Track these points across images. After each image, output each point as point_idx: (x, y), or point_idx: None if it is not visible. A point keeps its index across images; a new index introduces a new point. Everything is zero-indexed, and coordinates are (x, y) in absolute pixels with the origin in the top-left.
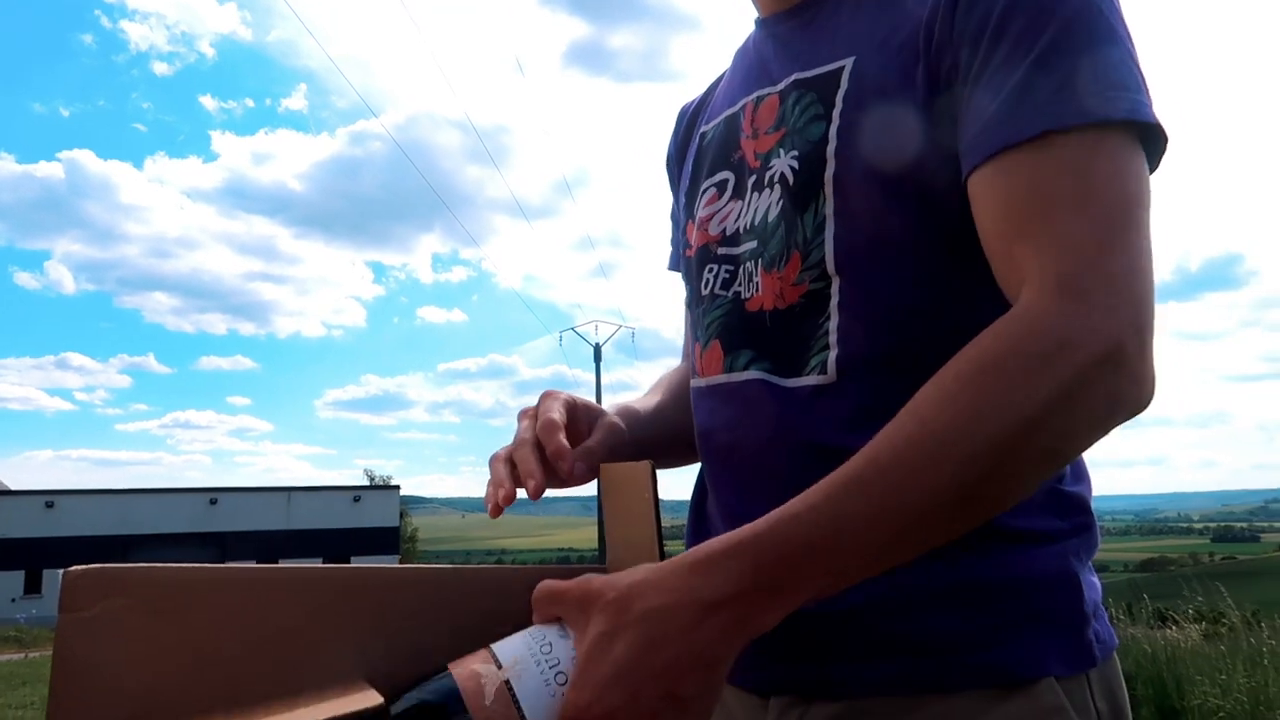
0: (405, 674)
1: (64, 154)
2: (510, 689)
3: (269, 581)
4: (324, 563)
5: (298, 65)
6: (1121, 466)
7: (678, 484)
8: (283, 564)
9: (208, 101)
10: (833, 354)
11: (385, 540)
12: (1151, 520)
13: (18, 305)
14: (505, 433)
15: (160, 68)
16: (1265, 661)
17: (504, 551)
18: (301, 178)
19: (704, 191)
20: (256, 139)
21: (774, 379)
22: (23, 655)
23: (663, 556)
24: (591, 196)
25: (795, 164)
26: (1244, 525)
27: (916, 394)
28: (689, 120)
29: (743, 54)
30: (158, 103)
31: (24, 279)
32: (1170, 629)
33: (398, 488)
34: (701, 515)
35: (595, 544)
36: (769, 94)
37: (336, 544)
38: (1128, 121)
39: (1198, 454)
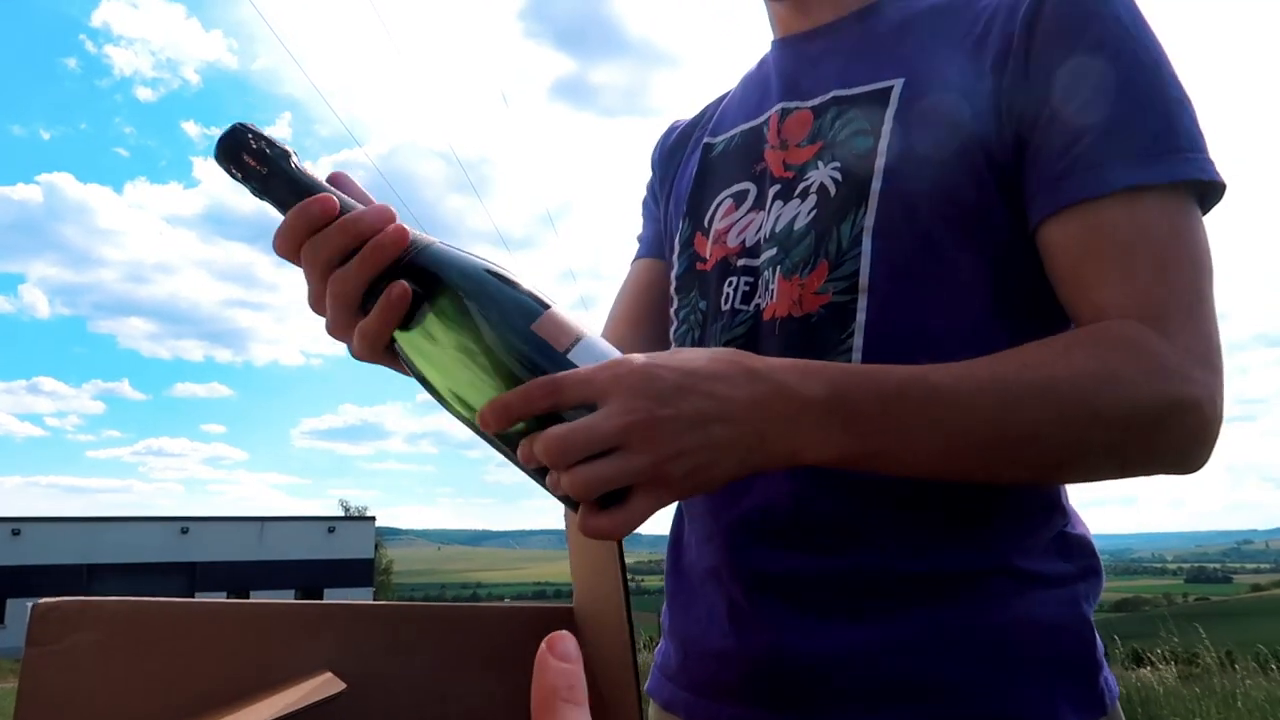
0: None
1: (43, 177)
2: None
3: (239, 615)
4: (297, 594)
5: (282, 93)
6: (1095, 505)
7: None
8: (254, 596)
9: (190, 128)
10: None
11: (359, 572)
12: (1126, 560)
13: None
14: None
15: (144, 93)
16: (1239, 704)
17: (479, 585)
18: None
19: (719, 203)
20: None
21: None
22: None
23: (627, 601)
24: (573, 229)
25: (838, 174)
26: (1217, 566)
27: (1045, 343)
28: (682, 133)
29: (758, 73)
30: (140, 128)
31: None
32: (1146, 670)
33: (373, 519)
34: (680, 546)
35: (570, 578)
36: (799, 108)
37: (310, 575)
38: (1197, 182)
39: (1168, 494)
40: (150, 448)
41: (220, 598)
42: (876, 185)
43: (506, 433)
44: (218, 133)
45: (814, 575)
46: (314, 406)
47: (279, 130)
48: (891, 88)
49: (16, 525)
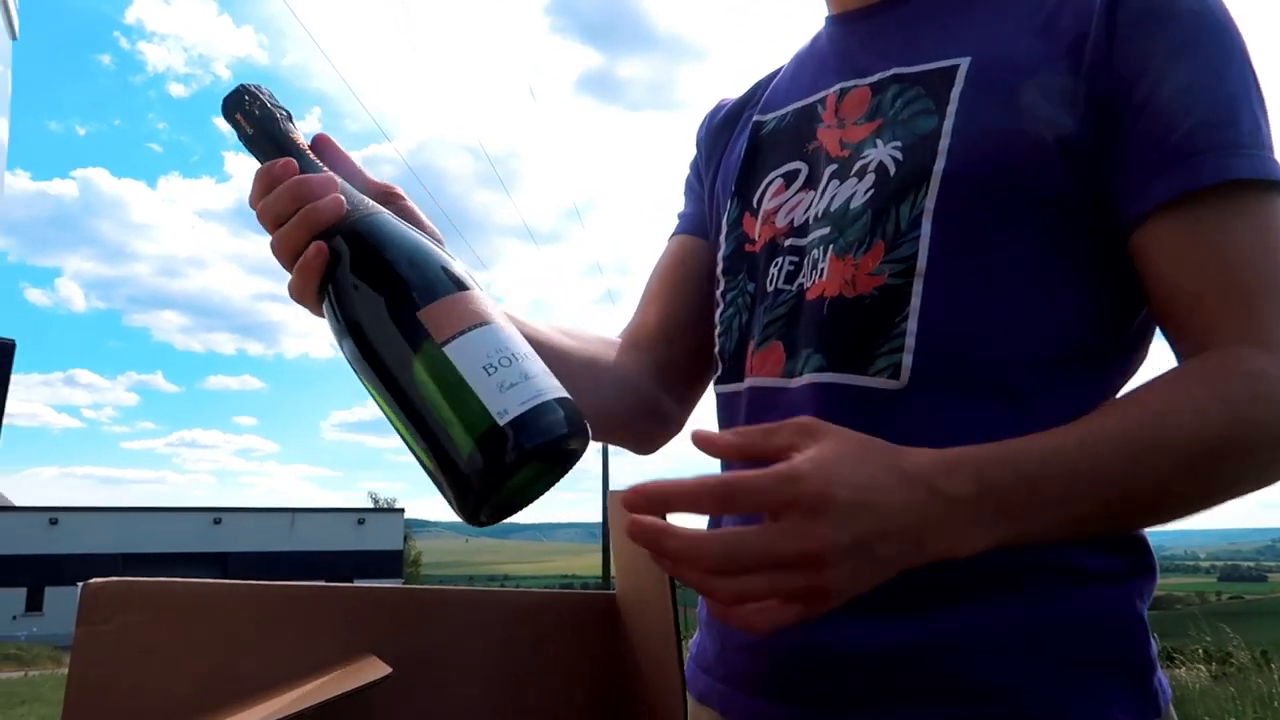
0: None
1: (78, 172)
2: None
3: (284, 597)
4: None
5: (312, 89)
6: None
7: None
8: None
9: (222, 123)
10: (908, 357)
11: (388, 563)
12: (1158, 557)
13: (28, 321)
14: None
15: (177, 89)
16: (1276, 703)
17: (506, 576)
18: None
19: (769, 183)
20: None
21: (828, 376)
22: (23, 673)
23: (673, 589)
24: (600, 223)
25: (898, 154)
26: (1251, 564)
27: (1167, 382)
28: (730, 111)
29: (811, 51)
30: (173, 123)
31: (35, 295)
32: (1180, 669)
33: (402, 511)
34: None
35: (598, 571)
36: (857, 85)
37: (339, 566)
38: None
39: None
40: (183, 439)
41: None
42: (939, 166)
43: (415, 417)
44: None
45: None
46: (344, 399)
47: (309, 125)
48: (957, 66)
49: (54, 515)
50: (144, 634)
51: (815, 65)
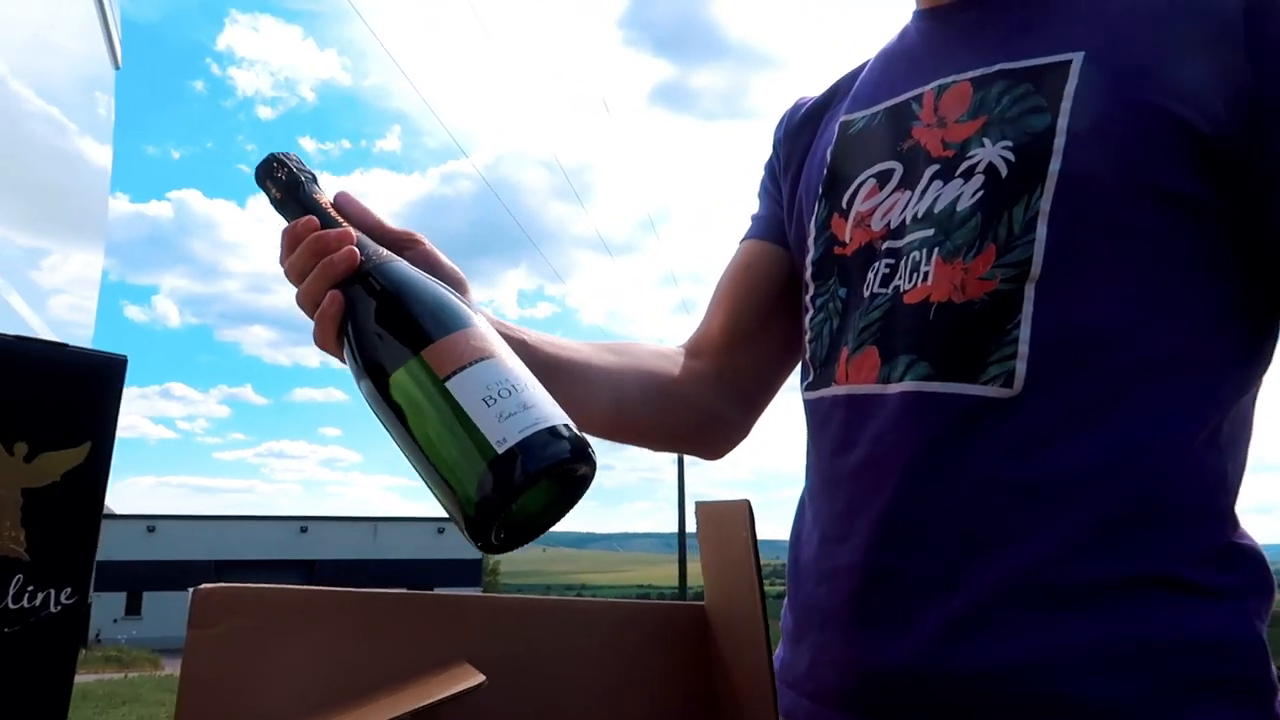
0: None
1: (173, 193)
2: None
3: (383, 605)
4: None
5: (392, 108)
6: None
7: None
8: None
9: (307, 143)
10: (1021, 365)
11: (468, 572)
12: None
13: (127, 337)
14: None
15: (264, 112)
16: None
17: (584, 586)
18: (394, 216)
19: (861, 184)
20: (352, 178)
21: (934, 385)
22: (123, 675)
23: (763, 600)
24: (674, 233)
25: (1009, 154)
26: None
27: None
28: (811, 110)
29: (900, 47)
30: (261, 145)
31: (133, 312)
32: None
33: None
34: (803, 545)
35: (674, 582)
36: (957, 81)
37: (420, 574)
38: None
39: None
40: (271, 450)
41: None
42: (1055, 166)
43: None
44: (333, 148)
45: (955, 581)
46: None
47: (389, 143)
48: (1070, 62)
49: (151, 523)
50: (251, 638)
51: (907, 62)
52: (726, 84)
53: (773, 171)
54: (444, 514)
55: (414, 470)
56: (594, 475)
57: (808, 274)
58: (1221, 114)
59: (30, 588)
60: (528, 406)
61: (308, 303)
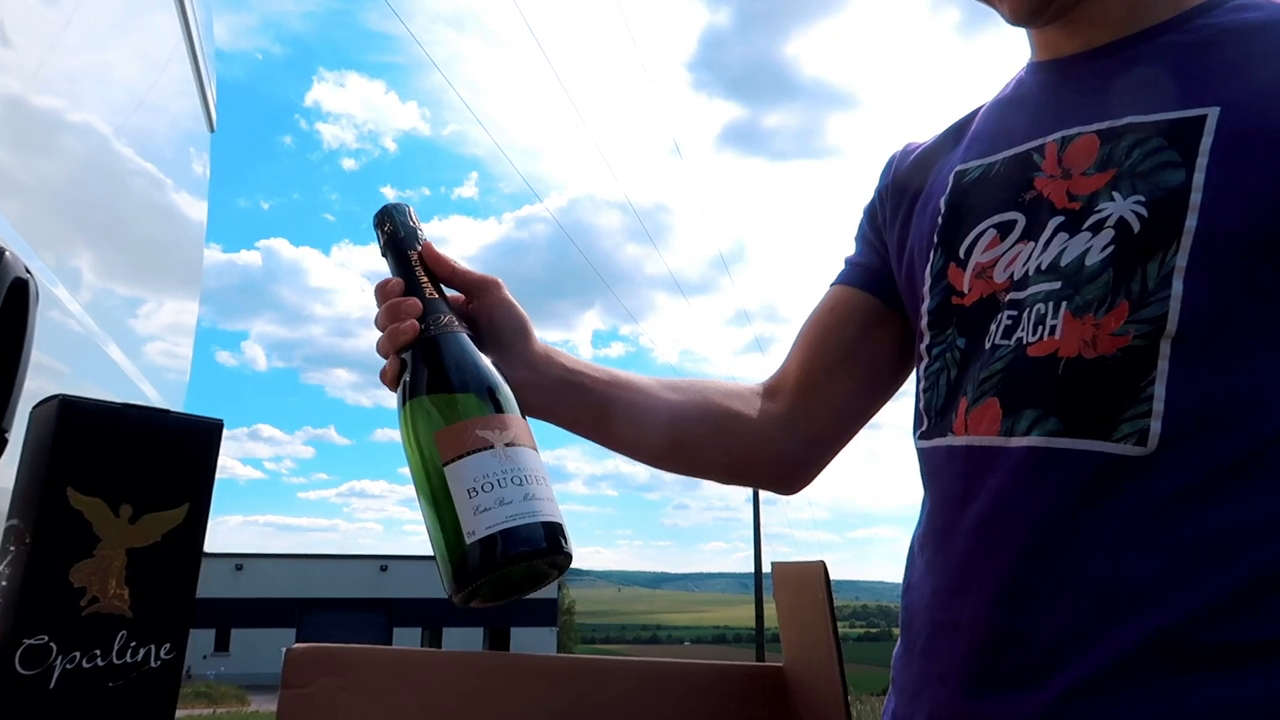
0: None
1: (262, 243)
2: None
3: (475, 665)
4: (485, 632)
5: (469, 154)
6: None
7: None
8: (446, 633)
9: (388, 192)
10: (1156, 423)
11: (544, 612)
12: None
13: (219, 381)
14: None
15: (348, 163)
16: None
17: (659, 626)
18: (472, 260)
19: (980, 234)
20: (431, 225)
21: (1063, 441)
22: (211, 710)
23: (840, 663)
24: (748, 272)
25: (1142, 209)
26: None
27: None
28: (922, 157)
29: (1018, 95)
30: (344, 194)
31: (224, 357)
32: None
33: None
34: (916, 593)
35: (750, 622)
36: (1083, 133)
37: (496, 614)
38: None
39: None
40: (353, 489)
41: (415, 632)
42: (1191, 223)
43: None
44: (412, 195)
45: (1086, 642)
46: None
47: (466, 190)
48: (1204, 117)
49: (239, 561)
50: (344, 698)
51: (1025, 112)
52: (800, 123)
53: (873, 217)
54: None
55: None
56: (568, 563)
57: (923, 322)
58: None
59: (133, 644)
60: (503, 503)
61: (381, 353)
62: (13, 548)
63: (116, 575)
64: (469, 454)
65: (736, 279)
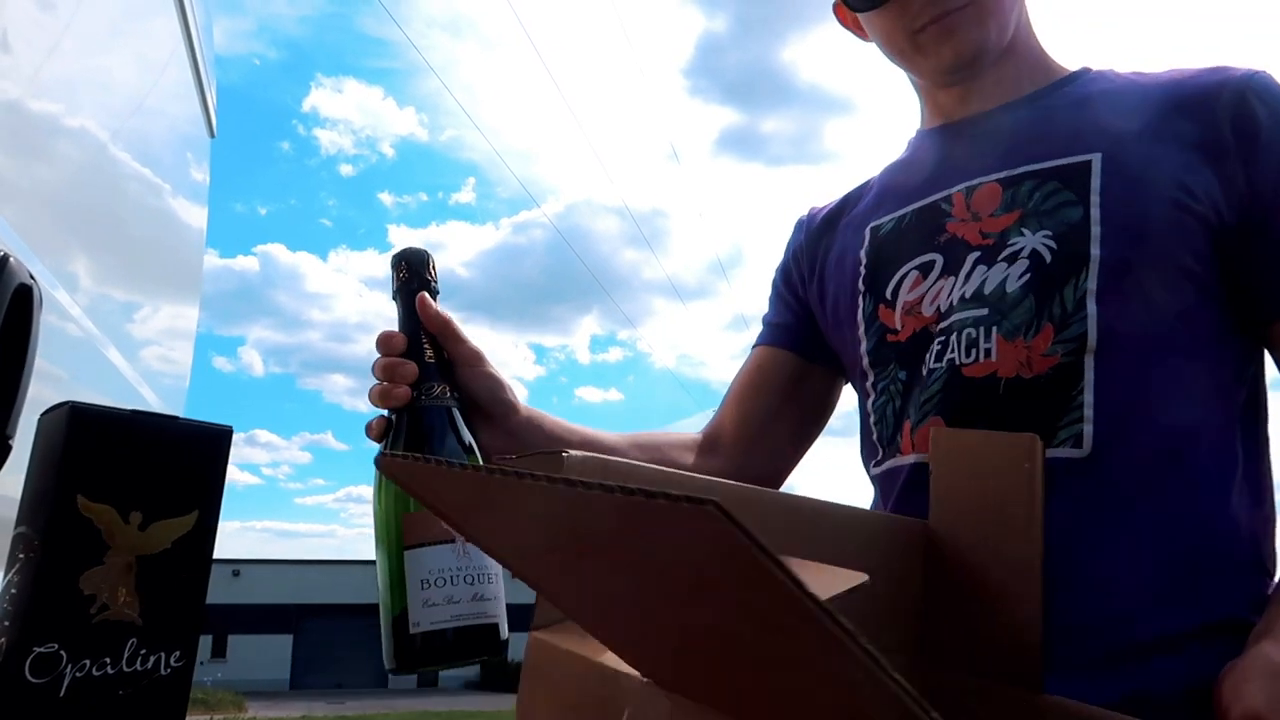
0: None
1: (259, 248)
2: None
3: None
4: None
5: (465, 160)
6: None
7: None
8: None
9: (385, 198)
10: (1088, 428)
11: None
12: None
13: (215, 387)
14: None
15: (345, 169)
16: None
17: None
18: (469, 265)
19: (904, 276)
20: (429, 231)
21: None
22: (208, 717)
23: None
24: (746, 276)
25: (1051, 242)
26: None
27: None
28: (826, 219)
29: (915, 157)
30: (341, 200)
31: (220, 363)
32: None
33: None
34: None
35: None
36: (984, 183)
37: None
38: None
39: None
40: (350, 495)
41: None
42: (1096, 252)
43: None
44: (410, 201)
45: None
46: None
47: (464, 195)
48: (1089, 162)
49: (236, 566)
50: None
51: (926, 169)
52: (797, 129)
53: (787, 275)
54: None
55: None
56: (501, 652)
57: (864, 363)
58: (1225, 209)
59: (143, 651)
60: (452, 602)
61: (372, 402)
62: (22, 555)
63: (126, 583)
64: (429, 544)
65: (734, 283)
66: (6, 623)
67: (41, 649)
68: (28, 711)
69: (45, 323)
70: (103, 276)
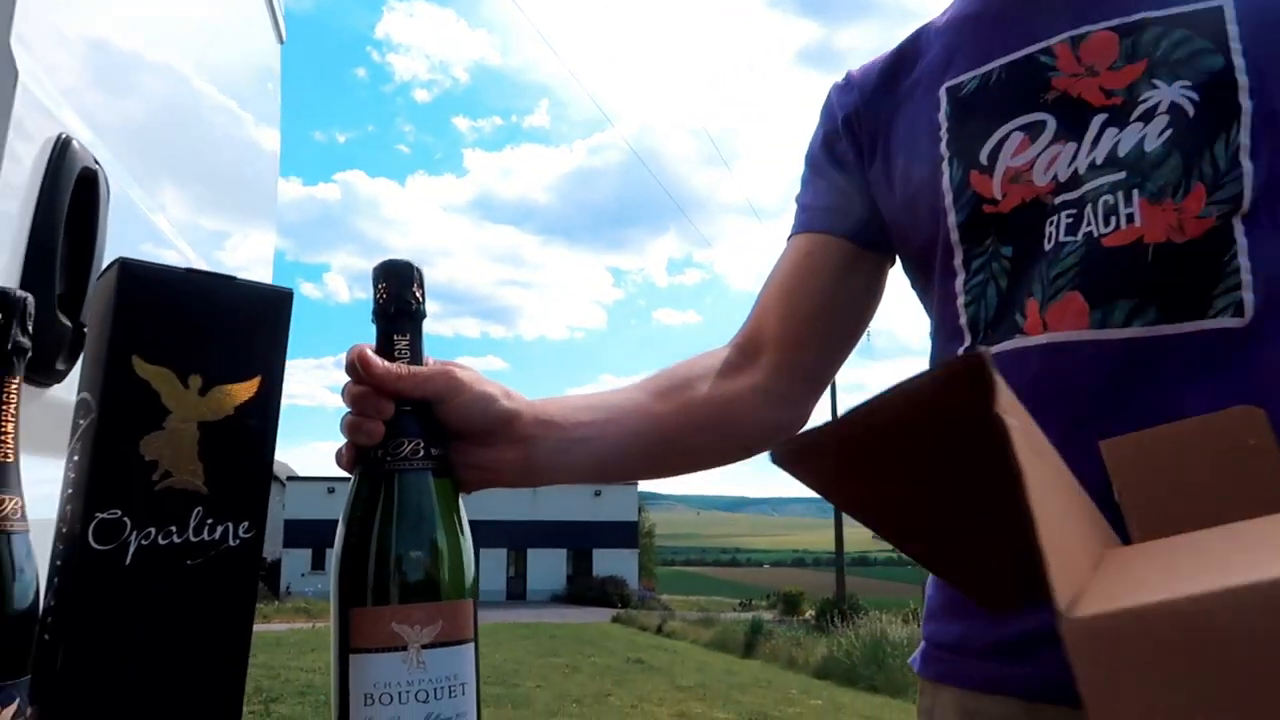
0: None
1: (339, 175)
2: None
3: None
4: (568, 553)
5: (538, 82)
6: None
7: None
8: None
9: (460, 122)
10: (1249, 294)
11: (624, 534)
12: None
13: (303, 313)
14: None
15: (420, 94)
16: None
17: (738, 550)
18: (545, 189)
19: (1005, 138)
20: (504, 154)
21: (1164, 329)
22: (310, 625)
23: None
24: None
25: (1193, 93)
26: None
27: None
28: (881, 81)
29: (986, 7)
30: (418, 125)
31: (308, 289)
32: None
33: (635, 484)
34: None
35: (830, 547)
36: (1093, 31)
37: (579, 535)
38: None
39: None
40: None
41: (500, 553)
42: (1247, 104)
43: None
44: (484, 125)
45: None
46: (578, 377)
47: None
48: (1220, 8)
49: (331, 485)
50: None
51: (1010, 20)
52: (874, 42)
53: (832, 149)
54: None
55: None
56: None
57: (952, 237)
58: None
59: (210, 520)
60: None
61: (342, 430)
62: (82, 420)
63: (189, 449)
64: (378, 651)
65: None
66: (70, 491)
67: (104, 515)
68: (93, 578)
69: (146, 251)
70: (187, 201)
